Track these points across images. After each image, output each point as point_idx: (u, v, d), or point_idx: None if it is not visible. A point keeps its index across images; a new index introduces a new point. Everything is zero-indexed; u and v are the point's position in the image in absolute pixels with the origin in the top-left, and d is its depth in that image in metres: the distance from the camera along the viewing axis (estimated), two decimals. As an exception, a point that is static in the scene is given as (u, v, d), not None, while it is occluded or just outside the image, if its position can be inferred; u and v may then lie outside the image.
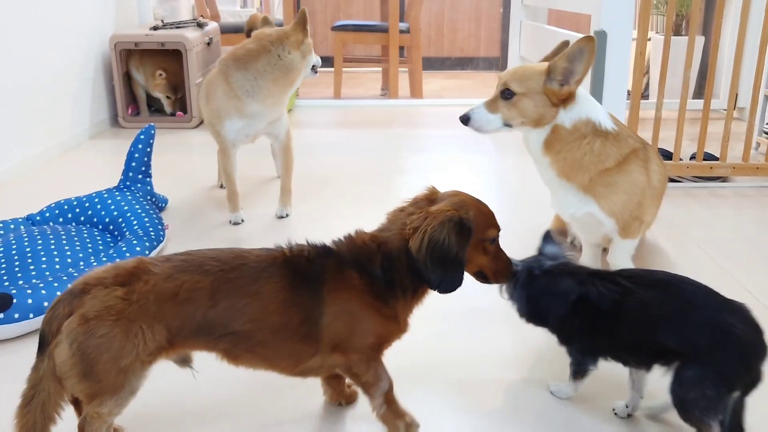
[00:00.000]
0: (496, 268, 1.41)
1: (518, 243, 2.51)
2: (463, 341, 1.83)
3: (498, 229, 1.39)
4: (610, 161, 1.88)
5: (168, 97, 4.29)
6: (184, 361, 1.36)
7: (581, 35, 3.46)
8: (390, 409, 1.38)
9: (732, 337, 1.29)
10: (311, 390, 1.55)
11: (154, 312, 1.22)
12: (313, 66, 2.70)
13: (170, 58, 4.25)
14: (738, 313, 1.32)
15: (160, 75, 4.20)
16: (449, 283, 1.32)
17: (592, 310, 1.39)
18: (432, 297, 1.40)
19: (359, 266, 1.32)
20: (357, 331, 1.32)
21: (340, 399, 1.53)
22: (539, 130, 1.92)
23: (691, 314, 1.33)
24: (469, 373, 1.67)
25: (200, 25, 4.53)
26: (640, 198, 1.91)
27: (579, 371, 1.48)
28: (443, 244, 1.28)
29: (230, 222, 2.65)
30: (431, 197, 1.39)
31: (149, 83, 4.25)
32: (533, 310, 1.47)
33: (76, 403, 1.30)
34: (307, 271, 1.30)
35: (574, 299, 1.40)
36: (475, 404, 1.56)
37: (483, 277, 1.42)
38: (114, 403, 1.22)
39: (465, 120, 1.96)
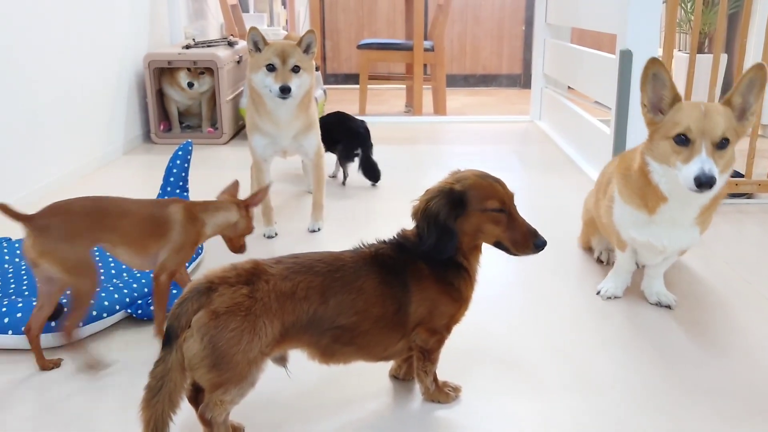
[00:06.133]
0: (513, 238, 1.48)
1: (545, 255, 2.56)
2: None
3: (500, 200, 1.46)
4: None
5: (188, 69, 4.28)
6: (282, 359, 1.47)
7: (604, 54, 3.52)
8: (437, 387, 1.61)
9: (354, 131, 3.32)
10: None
11: (275, 309, 1.34)
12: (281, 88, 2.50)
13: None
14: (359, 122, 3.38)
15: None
16: (440, 248, 1.45)
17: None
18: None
19: (422, 258, 1.48)
20: (436, 313, 1.48)
21: (413, 374, 1.64)
22: (725, 175, 1.76)
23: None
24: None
25: (230, 44, 4.64)
26: None
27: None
28: (433, 212, 1.44)
29: (264, 236, 2.72)
30: (448, 180, 1.54)
31: (178, 83, 4.34)
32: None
33: (194, 396, 1.40)
34: (393, 266, 1.46)
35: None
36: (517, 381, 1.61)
37: (504, 248, 1.50)
38: (236, 392, 1.33)
39: (712, 182, 1.64)
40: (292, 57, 2.51)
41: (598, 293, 2.18)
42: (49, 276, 1.70)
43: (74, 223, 1.72)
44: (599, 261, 2.43)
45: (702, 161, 1.64)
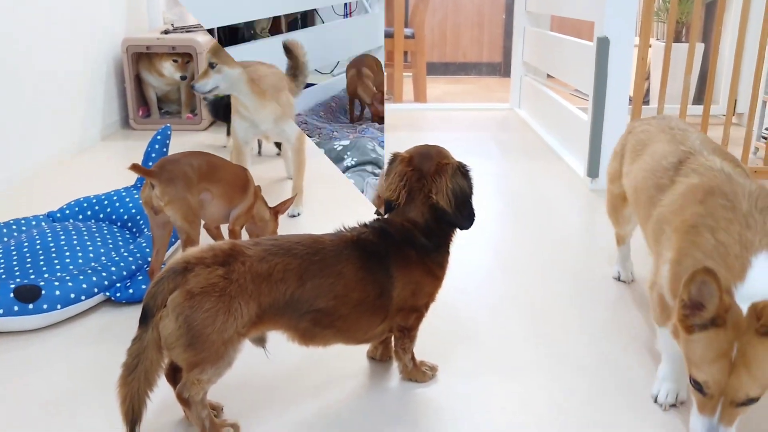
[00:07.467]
0: None
1: (525, 241, 2.59)
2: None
3: None
4: None
5: (175, 61, 4.28)
6: (260, 341, 1.48)
7: (582, 41, 3.55)
8: (414, 365, 1.63)
9: None
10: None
11: (251, 290, 1.34)
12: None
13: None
14: None
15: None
16: (473, 219, 1.54)
17: None
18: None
19: (412, 244, 1.50)
20: (419, 294, 1.52)
21: (390, 354, 1.71)
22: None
23: None
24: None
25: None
26: None
27: None
28: (461, 190, 1.52)
29: (244, 220, 2.73)
30: (410, 161, 1.56)
31: (158, 69, 4.32)
32: None
33: (172, 375, 1.41)
34: (375, 251, 1.47)
35: None
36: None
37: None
38: (213, 372, 1.34)
39: None
40: (210, 53, 2.56)
41: (655, 401, 1.61)
42: (164, 222, 1.95)
43: (193, 176, 1.94)
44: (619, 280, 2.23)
45: (710, 429, 1.30)
